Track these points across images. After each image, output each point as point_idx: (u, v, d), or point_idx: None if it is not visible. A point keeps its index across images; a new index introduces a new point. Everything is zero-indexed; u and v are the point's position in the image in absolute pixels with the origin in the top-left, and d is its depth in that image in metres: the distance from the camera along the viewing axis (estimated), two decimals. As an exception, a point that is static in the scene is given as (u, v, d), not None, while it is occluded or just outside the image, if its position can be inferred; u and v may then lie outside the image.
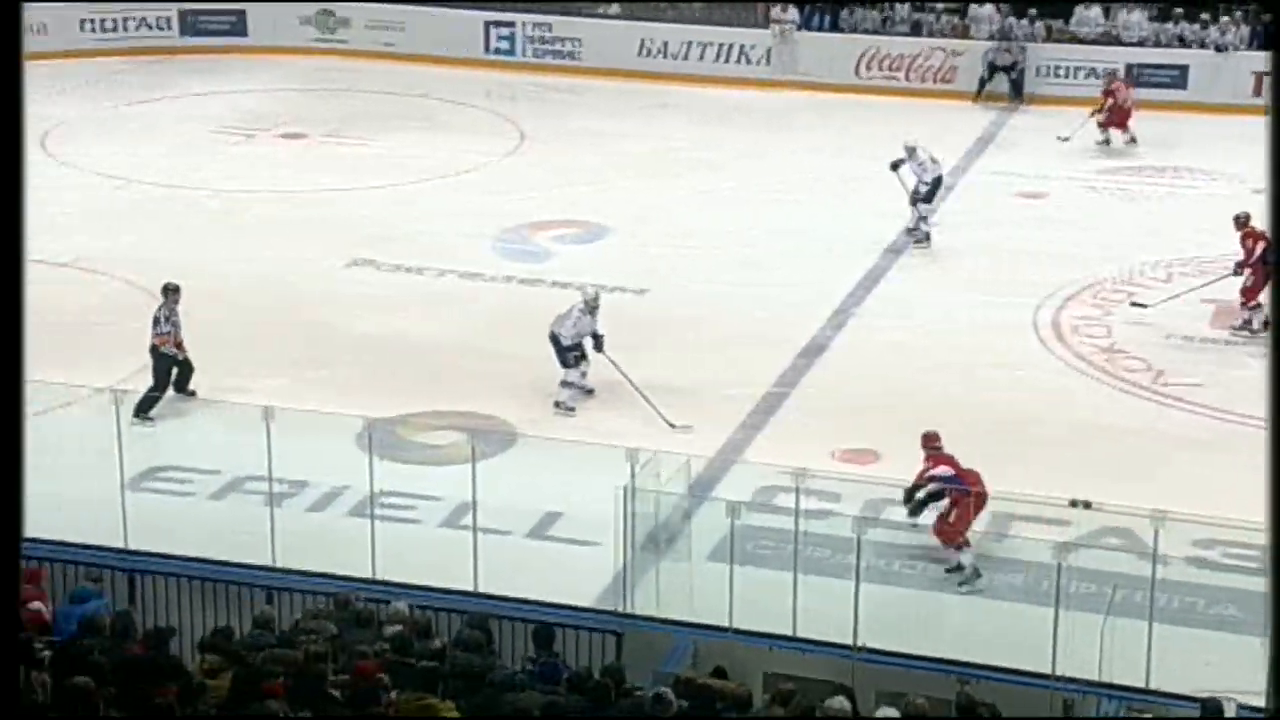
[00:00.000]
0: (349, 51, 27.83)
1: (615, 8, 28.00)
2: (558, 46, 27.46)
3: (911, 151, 18.67)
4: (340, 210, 20.08)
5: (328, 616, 9.56)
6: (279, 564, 10.83)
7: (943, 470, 11.78)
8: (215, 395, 13.75)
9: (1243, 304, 16.21)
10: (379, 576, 10.76)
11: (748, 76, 26.58)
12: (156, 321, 14.43)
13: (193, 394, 14.44)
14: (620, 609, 10.57)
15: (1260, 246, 15.93)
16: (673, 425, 13.95)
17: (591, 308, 14.75)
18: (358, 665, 8.26)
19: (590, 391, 14.77)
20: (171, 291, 14.62)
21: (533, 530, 12.26)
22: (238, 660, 8.31)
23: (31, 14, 26.67)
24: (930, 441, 12.11)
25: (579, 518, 12.15)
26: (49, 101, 24.13)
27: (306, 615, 9.66)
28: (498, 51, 27.57)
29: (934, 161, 18.76)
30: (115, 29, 27.47)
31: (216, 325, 16.20)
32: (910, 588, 11.35)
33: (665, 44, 27.08)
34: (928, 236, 18.73)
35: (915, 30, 26.73)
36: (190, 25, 27.88)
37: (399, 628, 9.33)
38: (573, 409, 14.51)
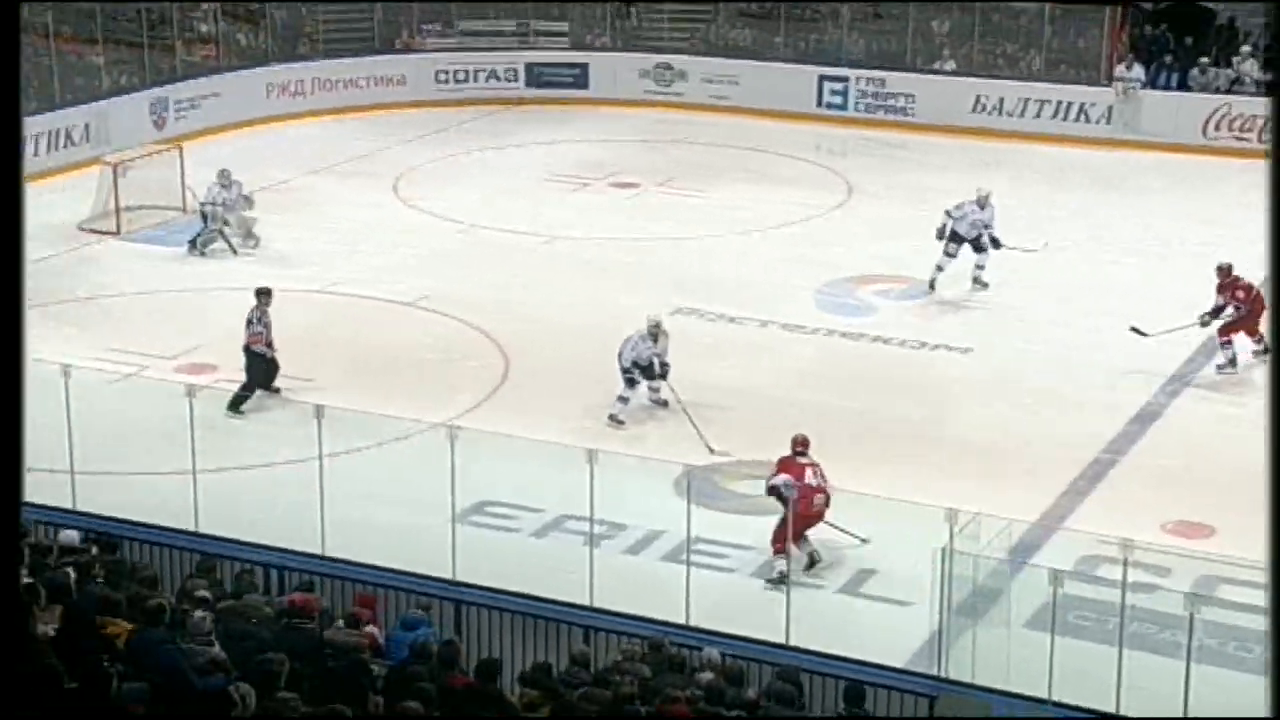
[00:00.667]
0: (684, 104, 28.36)
1: (950, 63, 27.70)
2: (890, 102, 27.33)
3: (985, 200, 19.05)
4: (668, 258, 20.41)
5: (641, 659, 9.65)
6: (596, 604, 11.00)
7: (782, 478, 12.09)
8: (539, 434, 14.12)
9: (1222, 342, 16.65)
10: (692, 622, 10.81)
11: (1087, 135, 25.87)
12: (250, 323, 15.35)
13: (277, 391, 15.35)
14: (934, 672, 10.34)
15: (1241, 294, 16.56)
16: (713, 450, 14.31)
17: (652, 334, 15.38)
18: (670, 709, 8.31)
19: (664, 403, 15.44)
20: (264, 294, 15.56)
21: (846, 585, 12.14)
22: (555, 696, 8.48)
23: (390, 66, 28.24)
24: (796, 444, 12.54)
25: (894, 576, 11.97)
26: (402, 149, 25.43)
27: (623, 656, 9.78)
28: (829, 106, 27.64)
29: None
30: (466, 80, 28.75)
31: (543, 367, 16.69)
32: (1245, 671, 10.73)
33: (1001, 100, 26.63)
34: (983, 283, 19.00)
35: (1270, 90, 25.52)
36: (535, 77, 28.95)
37: (711, 675, 9.35)
38: (622, 423, 15.14)
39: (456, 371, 16.51)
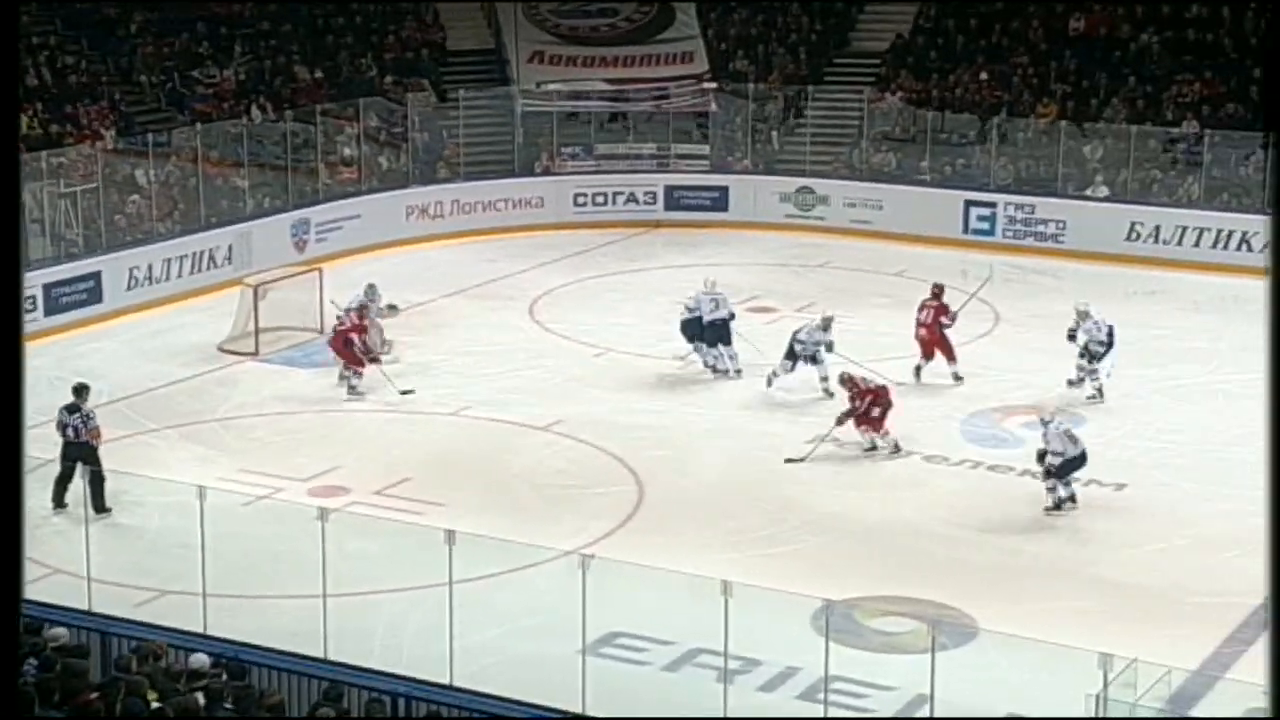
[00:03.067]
0: (825, 228, 28.49)
1: (1103, 190, 27.49)
2: (1039, 228, 27.21)
3: (1085, 315, 19.86)
4: (813, 386, 20.41)
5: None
6: (729, 742, 10.89)
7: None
8: (672, 564, 14.12)
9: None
10: (827, 766, 10.65)
11: (1249, 265, 25.43)
12: (88, 419, 15.92)
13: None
14: (1086, 826, 10.04)
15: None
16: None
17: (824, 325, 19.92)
18: None
19: (830, 394, 19.11)
20: (85, 390, 16.32)
21: (992, 730, 11.85)
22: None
23: (529, 189, 28.84)
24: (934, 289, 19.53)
25: (1043, 724, 11.67)
26: (539, 271, 25.88)
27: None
28: (976, 232, 27.58)
29: (1106, 323, 19.87)
30: (605, 203, 29.25)
31: (678, 494, 16.71)
32: None
33: (1157, 228, 26.37)
34: (1100, 392, 19.53)
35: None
36: (674, 200, 29.34)
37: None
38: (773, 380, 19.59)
39: (589, 498, 16.60)
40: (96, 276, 22.99)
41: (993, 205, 27.57)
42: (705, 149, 30.03)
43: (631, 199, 29.36)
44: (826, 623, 11.90)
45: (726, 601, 11.14)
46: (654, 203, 29.37)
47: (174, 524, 15.17)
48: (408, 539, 14.11)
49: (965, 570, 14.72)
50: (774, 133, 30.45)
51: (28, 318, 21.76)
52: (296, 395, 19.99)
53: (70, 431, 15.78)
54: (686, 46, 31.12)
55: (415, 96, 29.56)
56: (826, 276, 26.01)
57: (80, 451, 15.65)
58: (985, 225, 27.56)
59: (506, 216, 28.64)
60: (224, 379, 20.47)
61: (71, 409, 15.94)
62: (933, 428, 18.72)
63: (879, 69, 30.95)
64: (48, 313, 22.18)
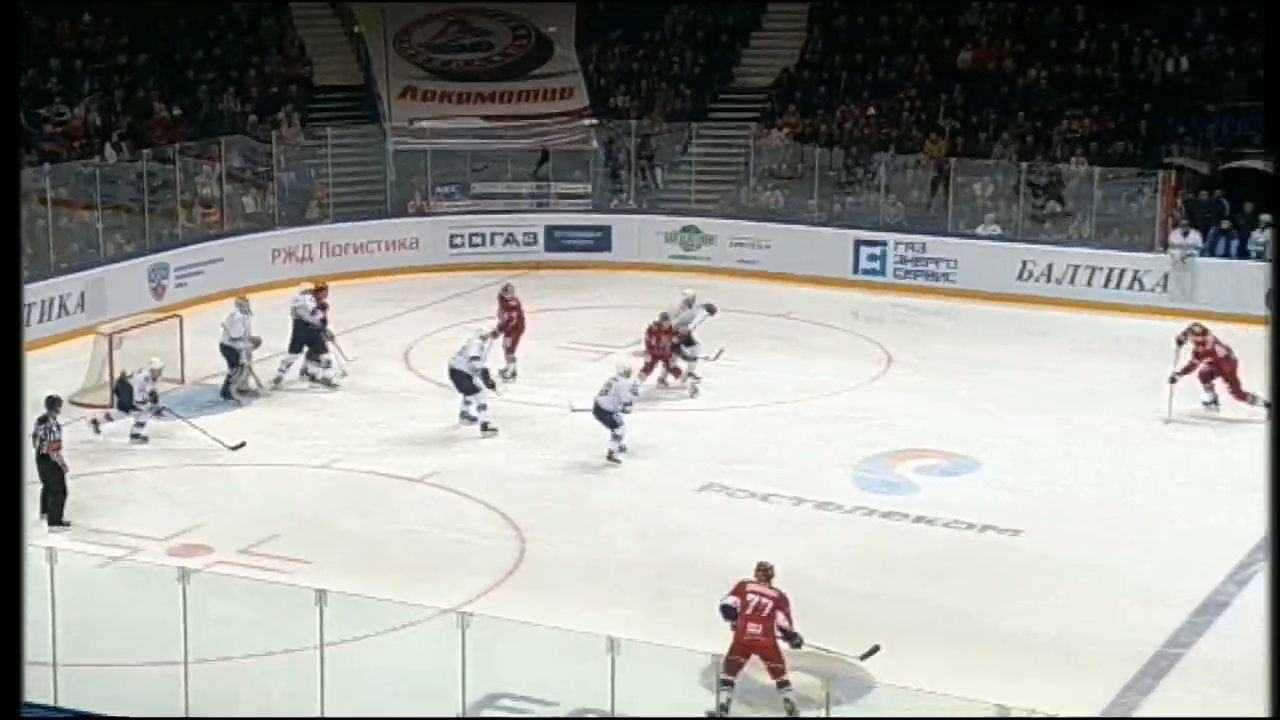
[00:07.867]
0: (710, 269, 28.73)
1: (995, 228, 28.01)
2: (930, 268, 27.65)
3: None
4: (694, 432, 20.50)
5: None
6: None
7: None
8: (556, 621, 14.07)
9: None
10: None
11: (1141, 304, 26.07)
12: (52, 430, 16.74)
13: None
14: None
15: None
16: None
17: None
18: None
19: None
20: (56, 403, 17.16)
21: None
22: None
23: (402, 230, 28.78)
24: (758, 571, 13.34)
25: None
26: (414, 316, 25.75)
27: None
28: (866, 272, 27.97)
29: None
30: (482, 244, 29.25)
31: (562, 548, 16.67)
32: None
33: (1049, 267, 26.92)
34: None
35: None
36: (555, 241, 29.42)
37: None
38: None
39: (468, 553, 16.50)
40: (-63, 326, 22.47)
41: (883, 244, 27.96)
42: (586, 187, 30.16)
43: (511, 240, 29.42)
44: (716, 681, 11.92)
45: (613, 659, 11.11)
46: (534, 243, 29.46)
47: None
48: (275, 600, 13.92)
49: (860, 622, 14.81)
50: (657, 170, 30.68)
51: None
52: (156, 448, 19.66)
53: (36, 442, 16.38)
54: (565, 82, 31.28)
55: (281, 134, 29.36)
56: (714, 319, 26.14)
57: (40, 466, 16.33)
58: (875, 265, 27.96)
59: (379, 259, 28.53)
60: (77, 433, 20.06)
61: (41, 419, 16.54)
62: (824, 474, 18.88)
63: (765, 104, 31.34)
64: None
